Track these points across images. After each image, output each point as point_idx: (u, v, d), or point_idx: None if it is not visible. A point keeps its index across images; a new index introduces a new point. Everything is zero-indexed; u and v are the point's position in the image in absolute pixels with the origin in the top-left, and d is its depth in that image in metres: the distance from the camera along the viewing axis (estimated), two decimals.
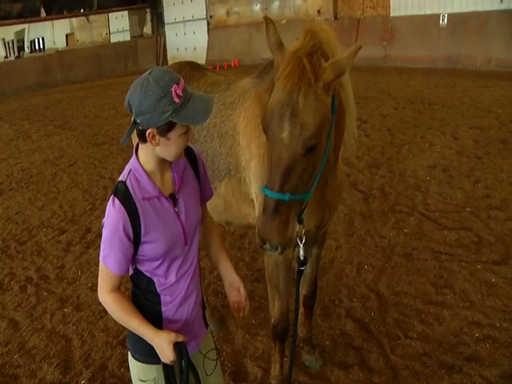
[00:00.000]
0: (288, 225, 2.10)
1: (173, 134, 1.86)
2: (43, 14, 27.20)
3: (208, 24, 24.76)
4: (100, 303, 2.02)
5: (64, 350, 4.04)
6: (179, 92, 1.82)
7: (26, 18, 26.75)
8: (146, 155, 1.95)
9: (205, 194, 2.25)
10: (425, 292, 4.24)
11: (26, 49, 44.35)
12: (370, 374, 3.40)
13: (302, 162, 2.03)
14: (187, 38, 25.64)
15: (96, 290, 2.09)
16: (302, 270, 2.49)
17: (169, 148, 1.90)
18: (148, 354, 2.01)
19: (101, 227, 1.99)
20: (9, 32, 43.31)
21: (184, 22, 25.84)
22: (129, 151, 9.77)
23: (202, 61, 23.81)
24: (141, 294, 2.08)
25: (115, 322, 4.24)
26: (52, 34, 38.52)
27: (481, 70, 14.11)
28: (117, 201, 1.89)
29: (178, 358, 1.93)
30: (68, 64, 26.06)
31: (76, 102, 17.53)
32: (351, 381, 3.35)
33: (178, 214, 2.02)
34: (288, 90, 1.99)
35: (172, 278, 2.04)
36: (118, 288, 1.99)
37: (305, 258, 2.44)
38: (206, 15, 24.76)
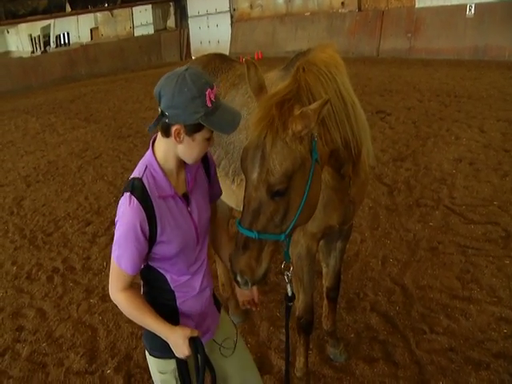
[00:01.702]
0: (260, 261, 2.06)
1: (198, 136, 1.86)
2: (68, 9, 27.53)
3: (231, 17, 24.73)
4: None
5: (90, 340, 4.10)
6: (212, 97, 1.83)
7: (51, 14, 27.04)
8: (166, 152, 1.93)
9: (214, 192, 2.26)
10: (451, 287, 4.18)
11: (51, 44, 44.94)
12: (395, 368, 3.38)
13: (269, 205, 2.01)
14: (210, 31, 25.65)
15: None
16: (290, 307, 2.33)
17: (191, 149, 1.90)
18: (165, 350, 2.01)
19: None
20: (35, 28, 43.96)
21: (207, 15, 25.85)
22: None
23: (225, 53, 23.84)
24: (155, 291, 2.08)
25: None
26: (77, 28, 38.91)
27: (509, 61, 13.82)
28: (134, 199, 1.85)
29: (194, 353, 1.94)
30: (92, 58, 26.33)
31: (100, 95, 17.70)
32: (376, 375, 3.33)
33: (190, 214, 2.02)
34: (258, 136, 2.00)
35: (185, 275, 2.06)
36: (130, 286, 1.97)
37: (293, 294, 2.29)
38: (230, 8, 24.72)
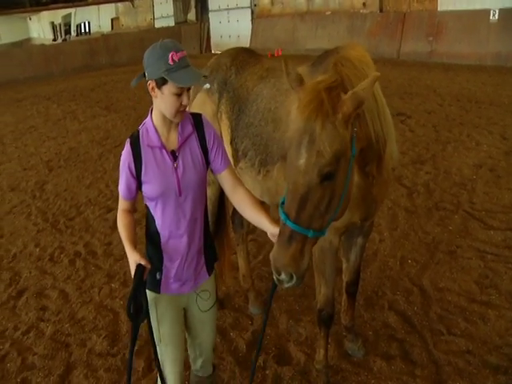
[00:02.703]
0: (304, 254, 2.10)
1: (166, 90, 2.20)
2: None
3: (252, 12, 24.75)
4: None
5: (112, 323, 4.20)
6: (175, 58, 2.18)
7: (74, 2, 27.25)
8: (154, 110, 2.35)
9: (216, 163, 2.48)
10: (469, 290, 4.22)
11: (72, 32, 45.28)
12: (413, 366, 3.43)
13: (317, 190, 2.04)
14: (231, 25, 25.70)
15: None
16: (275, 288, 2.42)
17: (164, 103, 2.25)
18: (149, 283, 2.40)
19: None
20: (57, 16, 44.33)
21: (228, 9, 25.90)
22: None
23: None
24: (148, 229, 2.49)
25: None
26: (98, 18, 39.20)
27: None
28: (128, 144, 2.37)
29: (135, 277, 2.23)
30: (113, 47, 26.54)
31: (121, 84, 17.84)
32: (393, 372, 3.39)
33: (175, 169, 2.36)
34: (306, 119, 2.03)
35: (166, 221, 2.41)
36: (129, 211, 2.47)
37: (279, 281, 2.29)
38: (250, 4, 24.76)
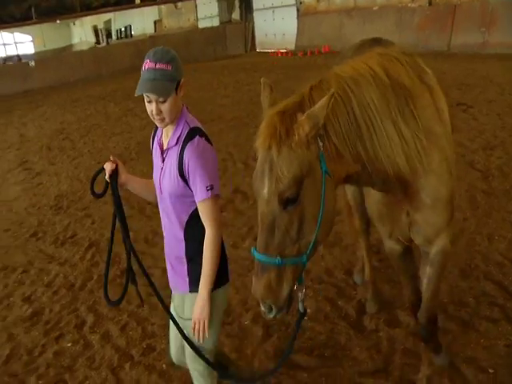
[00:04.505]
0: (282, 283, 2.05)
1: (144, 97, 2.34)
2: (138, 1, 28.48)
3: (297, 10, 24.92)
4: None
5: None
6: (146, 66, 2.30)
7: (122, 5, 28.06)
8: None
9: (193, 192, 2.42)
10: None
11: (113, 36, 46.51)
12: None
13: (283, 217, 1.99)
14: (276, 23, 25.92)
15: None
16: (300, 322, 2.40)
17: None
18: None
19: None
20: (100, 20, 45.60)
21: (273, 8, 26.13)
22: (241, 128, 10.27)
23: (291, 46, 24.10)
24: None
25: None
26: (141, 21, 40.04)
27: None
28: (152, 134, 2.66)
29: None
30: None
31: None
32: (501, 333, 3.57)
33: (161, 168, 2.50)
34: (262, 147, 2.03)
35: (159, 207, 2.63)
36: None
37: (305, 310, 2.33)
38: (296, 1, 24.92)
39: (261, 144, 2.03)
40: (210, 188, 2.35)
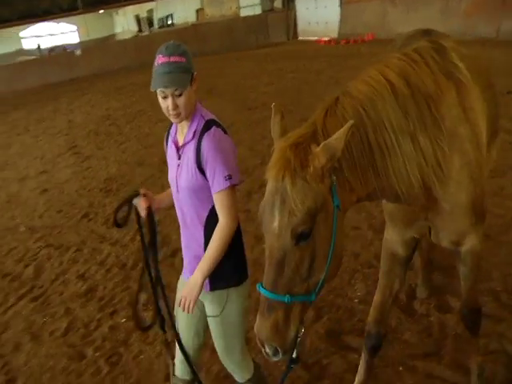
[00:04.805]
0: (289, 324, 1.94)
1: (157, 93, 2.29)
2: None
3: None
4: None
5: None
6: (159, 61, 2.26)
7: None
8: None
9: (209, 183, 2.37)
10: None
11: (155, 25, 47.00)
12: None
13: (294, 253, 1.89)
14: (318, 12, 25.63)
15: None
16: (291, 368, 2.17)
17: (160, 105, 2.33)
18: None
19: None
20: (142, 9, 46.15)
21: None
22: (285, 115, 10.22)
23: (334, 35, 23.85)
24: None
25: None
26: (183, 9, 40.30)
27: None
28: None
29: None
30: (201, 37, 27.27)
31: (215, 71, 18.40)
32: None
33: (177, 165, 2.45)
34: (275, 179, 1.91)
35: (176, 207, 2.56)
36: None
37: (297, 357, 2.11)
38: None
39: (273, 175, 1.92)
40: (229, 178, 2.31)
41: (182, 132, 2.46)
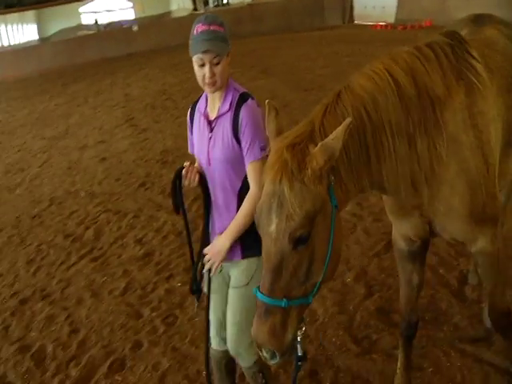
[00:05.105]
0: (287, 327, 1.91)
1: (194, 62, 2.33)
2: None
3: None
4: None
5: None
6: (199, 30, 2.30)
7: None
8: None
9: (243, 153, 2.41)
10: None
11: (210, 4, 47.15)
12: None
13: (292, 257, 1.84)
14: None
15: None
16: (300, 366, 2.12)
17: (196, 73, 2.36)
18: None
19: None
20: None
21: None
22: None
23: (390, 20, 23.35)
24: None
25: (366, 238, 4.83)
26: None
27: None
28: (192, 104, 2.66)
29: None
30: (257, 16, 27.27)
31: (270, 52, 18.43)
32: None
33: (209, 139, 2.48)
34: (272, 182, 1.86)
35: (206, 181, 2.56)
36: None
37: (304, 354, 2.07)
38: None
39: (270, 178, 1.88)
40: (264, 148, 2.33)
41: (213, 105, 2.49)
